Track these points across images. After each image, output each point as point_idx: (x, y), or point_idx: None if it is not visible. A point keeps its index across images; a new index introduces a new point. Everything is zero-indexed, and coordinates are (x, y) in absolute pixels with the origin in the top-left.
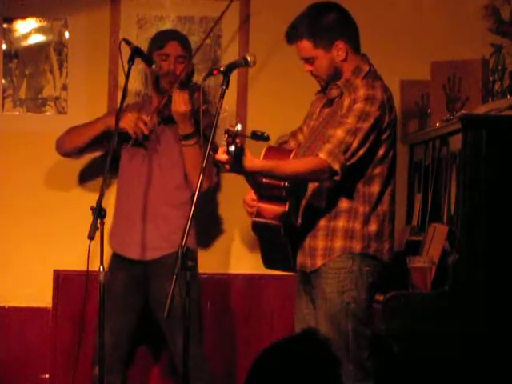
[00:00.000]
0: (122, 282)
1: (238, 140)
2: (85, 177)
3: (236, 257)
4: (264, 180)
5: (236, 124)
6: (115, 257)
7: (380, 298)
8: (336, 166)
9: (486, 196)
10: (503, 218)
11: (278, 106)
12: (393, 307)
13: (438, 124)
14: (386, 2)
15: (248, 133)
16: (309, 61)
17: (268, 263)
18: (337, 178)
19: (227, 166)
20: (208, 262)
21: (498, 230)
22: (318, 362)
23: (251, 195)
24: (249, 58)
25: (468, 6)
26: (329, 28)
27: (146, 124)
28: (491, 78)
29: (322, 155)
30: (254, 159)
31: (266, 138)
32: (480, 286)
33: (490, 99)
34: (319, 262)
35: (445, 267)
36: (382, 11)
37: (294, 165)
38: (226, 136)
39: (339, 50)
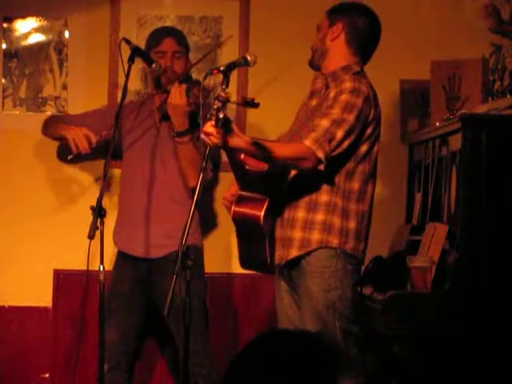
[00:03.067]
0: (128, 280)
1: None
2: (85, 176)
3: (236, 256)
4: (247, 168)
5: (227, 93)
6: (120, 255)
7: (379, 297)
8: (320, 154)
9: (486, 195)
10: (503, 217)
11: (278, 105)
12: (392, 307)
13: (437, 123)
14: (385, 1)
15: (239, 100)
16: (317, 31)
17: (245, 263)
18: (321, 167)
19: (214, 139)
20: (208, 262)
21: (498, 229)
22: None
23: (231, 191)
24: (249, 58)
25: (468, 5)
26: (346, 12)
27: (90, 143)
28: (491, 78)
29: (308, 142)
30: (242, 135)
31: (257, 105)
32: (480, 286)
33: (489, 99)
34: (293, 253)
35: (445, 267)
36: (382, 11)
37: (280, 149)
38: (216, 102)
39: (334, 30)
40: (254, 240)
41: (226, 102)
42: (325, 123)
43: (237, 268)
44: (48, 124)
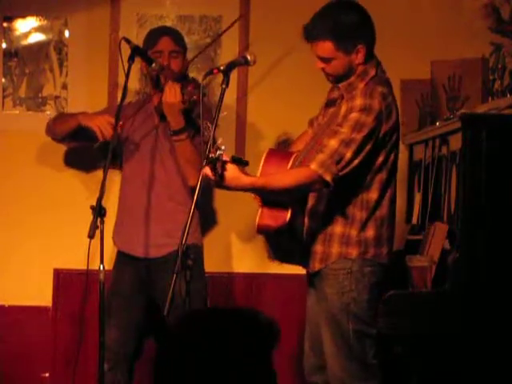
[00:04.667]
0: (128, 279)
1: (222, 161)
2: (85, 176)
3: (236, 255)
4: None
5: (217, 148)
6: (120, 254)
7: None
8: (328, 178)
9: (485, 195)
10: (503, 216)
11: (278, 105)
12: (393, 306)
13: (437, 123)
14: (385, 1)
15: (228, 157)
16: (325, 60)
17: (277, 258)
18: (329, 188)
19: (213, 182)
20: (208, 261)
21: (498, 229)
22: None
23: None
24: (249, 57)
25: (468, 5)
26: (352, 31)
27: (116, 130)
28: (491, 77)
29: (314, 166)
30: (242, 177)
31: (245, 163)
32: (480, 285)
33: (489, 98)
34: (317, 266)
35: (445, 266)
36: (382, 10)
37: (284, 179)
38: (206, 162)
39: (359, 54)
40: (284, 245)
41: (214, 162)
42: (333, 143)
43: (237, 267)
44: (59, 119)
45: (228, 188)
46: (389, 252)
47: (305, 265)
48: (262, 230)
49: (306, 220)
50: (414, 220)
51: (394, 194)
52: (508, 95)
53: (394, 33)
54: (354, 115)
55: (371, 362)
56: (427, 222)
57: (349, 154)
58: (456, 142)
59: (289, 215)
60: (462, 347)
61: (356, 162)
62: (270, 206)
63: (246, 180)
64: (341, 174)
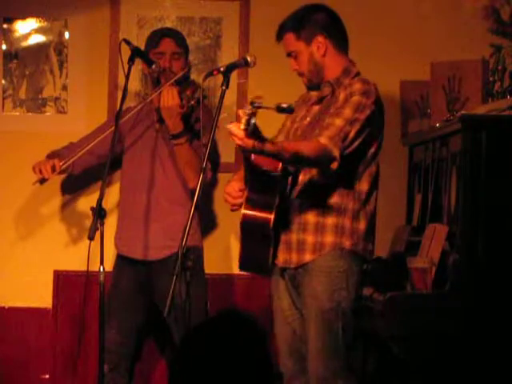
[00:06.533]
0: (128, 280)
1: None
2: (85, 177)
3: (236, 257)
4: (264, 168)
5: (258, 98)
6: (120, 256)
7: (380, 298)
8: (336, 153)
9: (485, 196)
10: (503, 218)
11: None
12: (393, 308)
13: (437, 124)
14: (386, 2)
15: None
16: (293, 56)
17: (244, 264)
18: (334, 165)
19: (239, 141)
20: (208, 262)
21: (498, 230)
22: (241, 341)
23: (235, 186)
24: (249, 59)
25: (468, 6)
26: (312, 23)
27: (54, 169)
28: (491, 79)
29: (323, 140)
30: (271, 140)
31: (291, 111)
32: (480, 286)
33: (489, 99)
34: (308, 257)
35: (445, 268)
36: (382, 11)
37: (298, 146)
38: (250, 107)
39: (319, 45)
40: (260, 242)
41: (258, 107)
42: (338, 122)
43: (236, 269)
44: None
45: (251, 147)
46: (372, 250)
47: (284, 261)
48: (246, 217)
49: (296, 210)
50: (415, 221)
51: (378, 191)
52: (508, 96)
53: (394, 33)
54: (355, 98)
55: (350, 359)
56: (427, 223)
57: (353, 133)
58: (456, 144)
59: (275, 207)
60: (461, 348)
61: (357, 142)
62: (257, 193)
63: (267, 144)
64: (345, 152)
